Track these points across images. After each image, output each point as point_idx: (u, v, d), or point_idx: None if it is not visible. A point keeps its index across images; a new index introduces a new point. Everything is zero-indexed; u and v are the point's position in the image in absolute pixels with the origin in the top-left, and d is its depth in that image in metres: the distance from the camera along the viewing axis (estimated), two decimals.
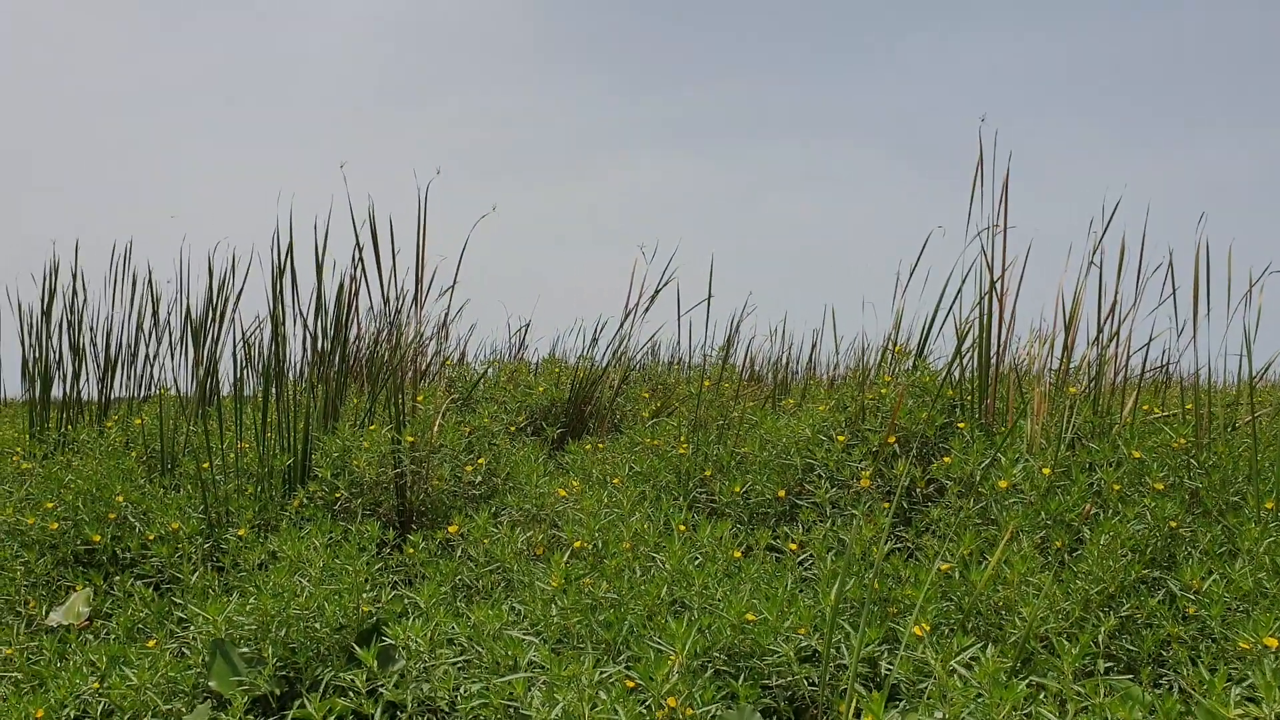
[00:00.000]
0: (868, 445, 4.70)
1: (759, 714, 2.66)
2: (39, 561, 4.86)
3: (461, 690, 3.02)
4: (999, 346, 4.86)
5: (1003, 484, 3.92)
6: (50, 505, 5.19)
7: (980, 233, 4.88)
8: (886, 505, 3.88)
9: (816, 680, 2.88)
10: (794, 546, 3.82)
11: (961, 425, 4.60)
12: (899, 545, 4.11)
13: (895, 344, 5.58)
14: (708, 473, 5.00)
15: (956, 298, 5.00)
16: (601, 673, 2.63)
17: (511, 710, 2.77)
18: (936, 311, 5.20)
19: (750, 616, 3.05)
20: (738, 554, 3.75)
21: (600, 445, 5.80)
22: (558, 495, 4.64)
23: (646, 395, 7.38)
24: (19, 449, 6.80)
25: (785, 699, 2.94)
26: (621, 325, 7.30)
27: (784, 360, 9.08)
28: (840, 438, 4.67)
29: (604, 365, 7.27)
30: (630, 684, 2.66)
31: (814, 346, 10.91)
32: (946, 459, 4.26)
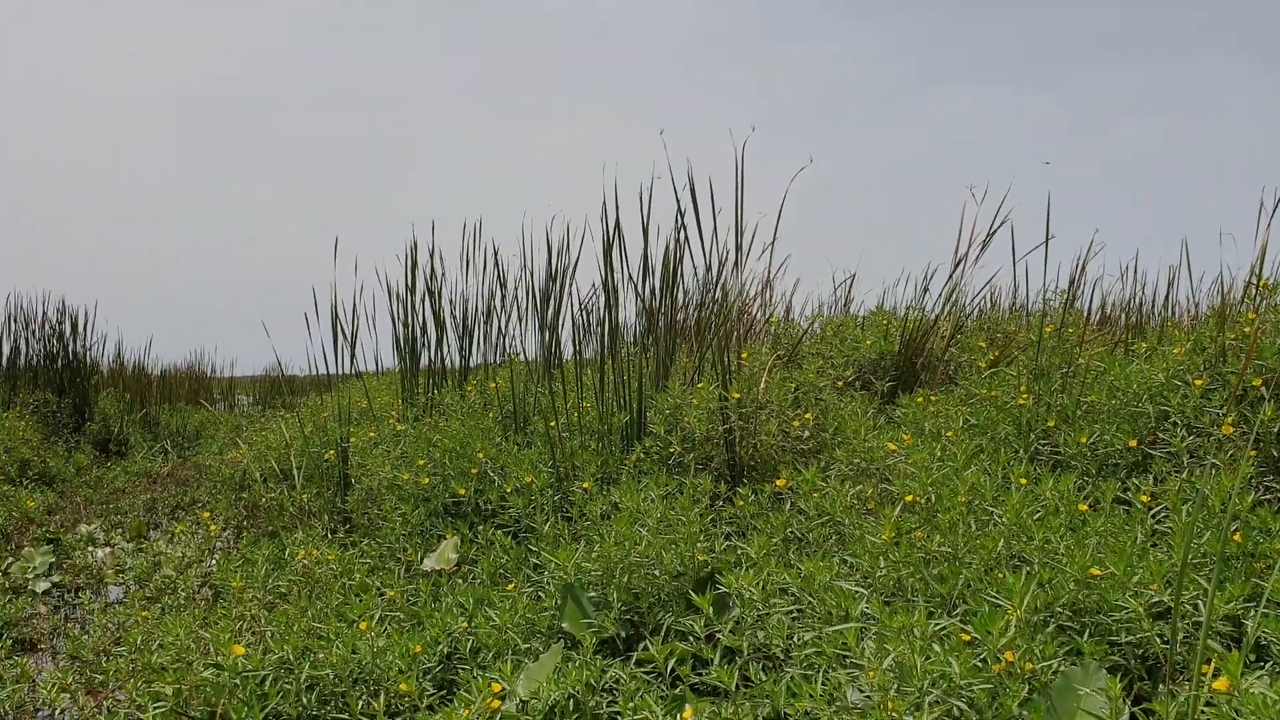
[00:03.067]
0: (1229, 389, 4.28)
1: (1104, 671, 2.52)
2: (414, 513, 5.41)
3: (795, 638, 3.08)
4: None
5: None
6: (422, 462, 5.74)
7: None
8: (1252, 453, 3.52)
9: (1169, 638, 2.68)
10: (1145, 499, 3.57)
11: None
12: (1267, 496, 3.73)
13: (1259, 277, 5.03)
14: (1051, 423, 4.75)
15: None
16: (935, 625, 2.59)
17: (844, 659, 2.79)
18: None
19: (1095, 571, 2.88)
20: (1083, 507, 3.55)
21: (933, 398, 5.65)
22: (887, 449, 4.58)
23: (983, 345, 7.09)
24: (393, 413, 7.56)
25: (1135, 657, 2.76)
26: (952, 273, 7.05)
27: (1136, 301, 8.44)
28: (1198, 381, 4.29)
29: (935, 315, 7.06)
30: (965, 638, 2.60)
31: (1169, 284, 10.03)
32: None
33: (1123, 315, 8.36)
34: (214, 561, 6.30)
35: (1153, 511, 3.50)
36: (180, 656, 3.64)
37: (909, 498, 3.88)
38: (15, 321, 13.65)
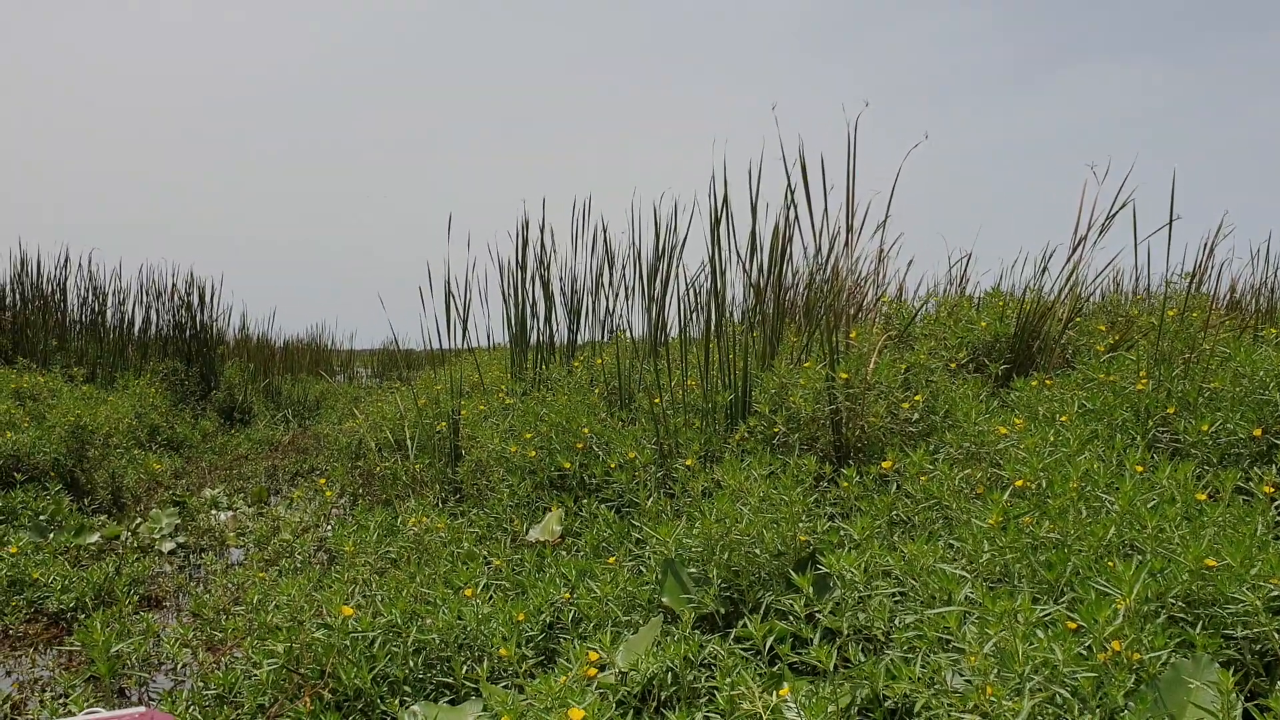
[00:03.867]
0: None
1: (1217, 665, 2.43)
2: (521, 485, 5.50)
3: (896, 621, 3.04)
4: None
5: None
6: (529, 436, 5.83)
7: None
8: None
9: None
10: (1269, 489, 3.42)
11: None
12: None
13: None
14: (1170, 410, 4.58)
15: None
16: (1040, 611, 2.53)
17: (945, 643, 2.75)
18: None
19: (1211, 562, 2.78)
20: (1201, 496, 3.42)
21: (1048, 381, 5.50)
22: (999, 433, 4.48)
23: (1103, 329, 6.87)
24: (503, 386, 7.69)
25: (1252, 652, 2.66)
26: (1071, 254, 6.84)
27: (1267, 285, 8.10)
28: None
29: (1052, 297, 6.86)
30: (1071, 625, 2.53)
31: None
32: None
33: (1253, 300, 8.03)
34: (330, 527, 6.51)
35: (1276, 503, 3.36)
36: (294, 616, 3.77)
37: (1019, 483, 3.79)
38: (147, 292, 14.27)
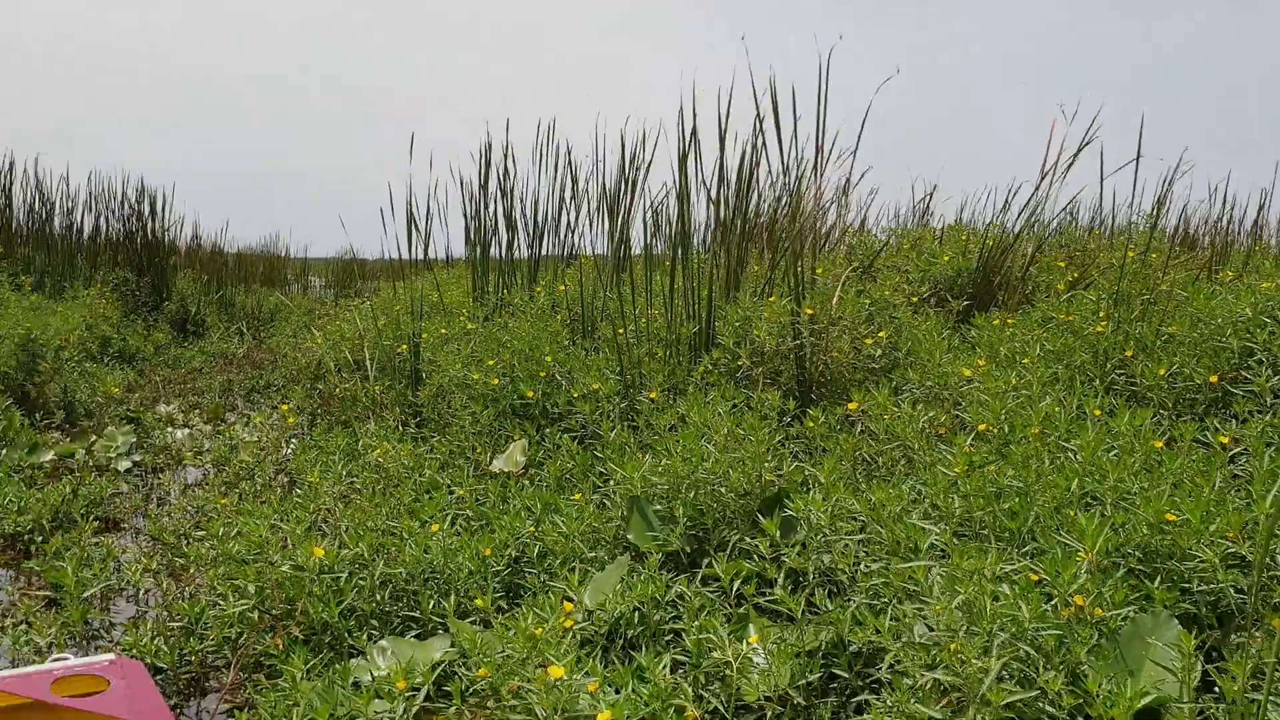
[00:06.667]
0: None
1: (1175, 620, 2.51)
2: (484, 412, 5.48)
3: (861, 566, 3.09)
4: None
5: None
6: (491, 363, 5.80)
7: None
8: None
9: (1246, 589, 2.66)
10: (1225, 440, 3.49)
11: None
12: None
13: None
14: (1128, 353, 4.65)
15: None
16: (1005, 567, 2.58)
17: (911, 593, 2.80)
18: None
19: (1170, 516, 2.85)
20: (1159, 444, 3.49)
21: (1009, 320, 5.55)
22: (962, 374, 4.53)
23: (1062, 265, 6.93)
24: (464, 309, 7.62)
25: (1208, 606, 2.74)
26: (1036, 189, 6.86)
27: (1224, 223, 8.20)
28: None
29: (1015, 232, 6.89)
30: (1034, 578, 2.59)
31: (1260, 208, 9.69)
32: None
33: (1208, 237, 8.13)
34: (290, 450, 6.47)
35: (1232, 455, 3.44)
36: (259, 548, 3.75)
37: (982, 426, 3.84)
38: (96, 200, 13.88)
